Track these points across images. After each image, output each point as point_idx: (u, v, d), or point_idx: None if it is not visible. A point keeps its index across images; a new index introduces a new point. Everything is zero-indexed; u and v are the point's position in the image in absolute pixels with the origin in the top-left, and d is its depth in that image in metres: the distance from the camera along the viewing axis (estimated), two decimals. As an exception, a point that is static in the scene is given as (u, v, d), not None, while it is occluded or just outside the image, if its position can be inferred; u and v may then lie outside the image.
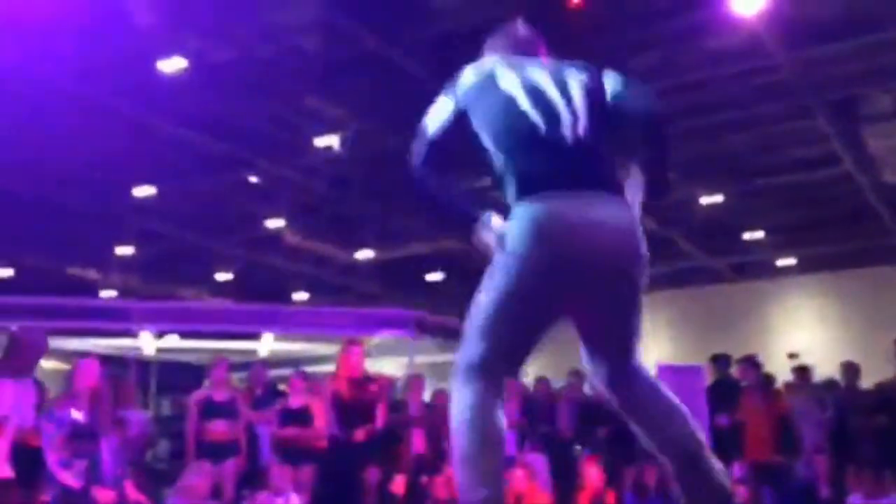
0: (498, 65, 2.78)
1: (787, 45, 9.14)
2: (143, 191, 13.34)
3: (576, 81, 2.72)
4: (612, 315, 2.62)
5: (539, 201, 2.48)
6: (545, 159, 2.54)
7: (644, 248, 2.58)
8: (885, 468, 7.37)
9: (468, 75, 2.81)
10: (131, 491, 5.58)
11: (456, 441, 2.49)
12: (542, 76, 2.70)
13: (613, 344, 2.66)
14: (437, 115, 2.83)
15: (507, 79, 2.69)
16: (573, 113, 2.61)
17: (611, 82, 2.79)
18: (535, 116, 2.59)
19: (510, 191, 2.61)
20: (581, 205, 2.45)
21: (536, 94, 2.63)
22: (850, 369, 8.94)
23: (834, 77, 10.05)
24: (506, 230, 2.55)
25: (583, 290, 2.52)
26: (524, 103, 2.62)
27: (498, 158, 2.70)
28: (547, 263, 2.44)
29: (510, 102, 2.64)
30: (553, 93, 2.65)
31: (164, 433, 9.85)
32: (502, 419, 2.51)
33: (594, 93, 2.72)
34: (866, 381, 9.11)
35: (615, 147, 2.68)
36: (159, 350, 12.75)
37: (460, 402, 2.53)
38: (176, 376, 13.54)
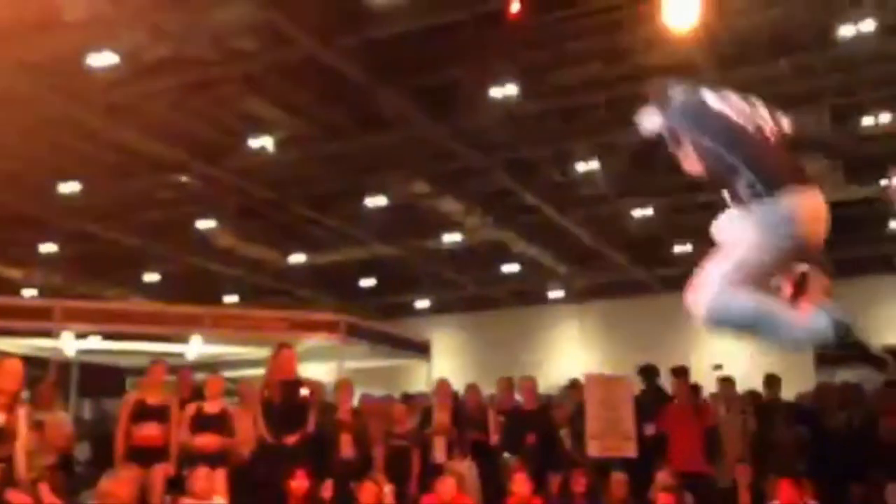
0: None
1: (717, 64, 9.37)
2: (69, 188, 12.99)
3: None
4: None
5: None
6: None
7: None
8: (803, 478, 7.57)
9: None
10: (46, 495, 5.40)
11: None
12: None
13: None
14: None
15: None
16: None
17: None
18: None
19: None
20: None
21: None
22: (772, 381, 9.19)
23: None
24: None
25: None
26: None
27: None
28: None
29: None
30: None
31: (84, 436, 9.57)
32: None
33: None
34: (785, 393, 9.37)
35: None
36: (81, 351, 12.39)
37: None
38: (98, 379, 13.20)
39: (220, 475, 7.28)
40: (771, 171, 3.05)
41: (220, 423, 7.46)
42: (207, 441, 7.35)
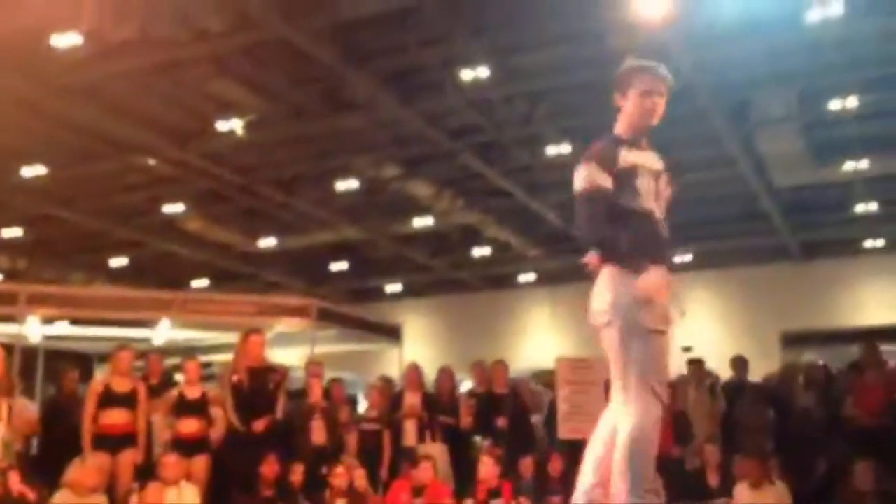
0: None
1: (688, 47, 9.39)
2: (34, 171, 12.77)
3: None
4: None
5: None
6: None
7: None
8: (770, 458, 7.67)
9: None
10: (15, 483, 5.32)
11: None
12: None
13: None
14: None
15: None
16: None
17: None
18: None
19: None
20: None
21: None
22: (740, 363, 9.29)
23: (730, 80, 10.38)
24: None
25: None
26: None
27: None
28: None
29: None
30: None
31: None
32: None
33: None
34: (753, 374, 9.48)
35: None
36: (47, 337, 12.23)
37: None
38: (64, 365, 13.03)
39: (201, 461, 7.24)
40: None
41: (200, 408, 7.41)
42: (189, 426, 7.30)
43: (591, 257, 3.36)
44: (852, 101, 10.67)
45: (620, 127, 3.48)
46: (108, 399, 7.22)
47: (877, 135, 11.81)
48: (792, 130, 11.57)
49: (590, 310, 3.36)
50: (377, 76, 10.37)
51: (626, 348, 3.23)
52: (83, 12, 8.80)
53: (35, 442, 8.82)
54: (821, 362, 10.19)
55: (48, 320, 11.69)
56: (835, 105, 10.78)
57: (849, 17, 8.83)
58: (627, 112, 3.46)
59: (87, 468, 6.80)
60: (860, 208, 14.75)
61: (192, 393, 7.48)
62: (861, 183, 13.44)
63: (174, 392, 7.56)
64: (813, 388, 8.85)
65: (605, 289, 3.28)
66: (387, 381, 9.90)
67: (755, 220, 15.31)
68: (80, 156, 12.69)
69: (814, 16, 8.86)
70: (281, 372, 7.95)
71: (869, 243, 16.46)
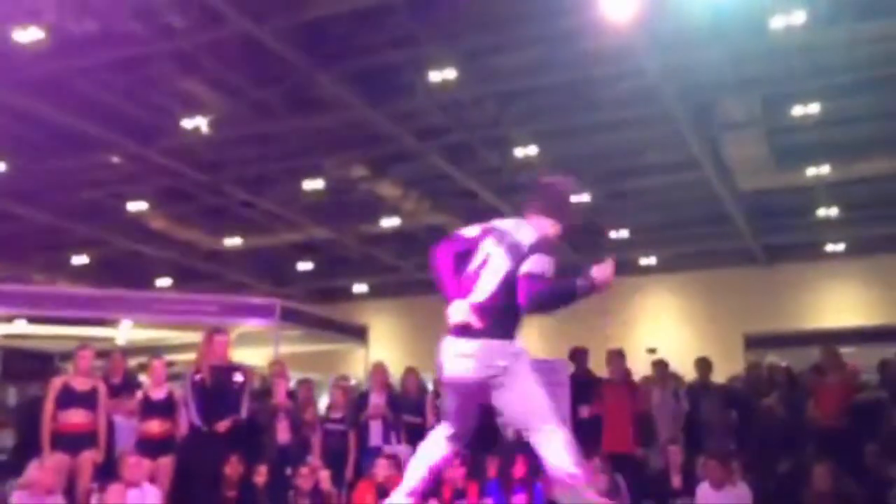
0: None
1: (655, 50, 9.46)
2: (-7, 167, 12.57)
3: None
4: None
5: None
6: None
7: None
8: (732, 459, 7.74)
9: None
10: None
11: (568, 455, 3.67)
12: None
13: None
14: None
15: None
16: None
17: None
18: None
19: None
20: None
21: None
22: (703, 365, 9.36)
23: (695, 84, 10.48)
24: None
25: None
26: None
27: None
28: None
29: None
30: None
31: (8, 423, 9.29)
32: None
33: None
34: (716, 376, 9.56)
35: None
36: (6, 336, 12.02)
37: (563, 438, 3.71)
38: (24, 364, 12.83)
39: (167, 462, 7.15)
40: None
41: (166, 409, 7.32)
42: (154, 427, 7.21)
43: None
44: (814, 108, 10.82)
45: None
46: (68, 398, 7.10)
47: (838, 141, 11.99)
48: (756, 135, 11.70)
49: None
50: (345, 76, 10.33)
51: None
52: (45, 6, 8.67)
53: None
54: (784, 364, 10.31)
55: (8, 319, 11.49)
56: (797, 111, 10.92)
57: (812, 25, 8.95)
58: (544, 229, 4.02)
59: (44, 468, 6.68)
60: (822, 213, 14.97)
61: (158, 393, 7.37)
62: (823, 188, 13.62)
63: (139, 393, 7.44)
64: (776, 390, 8.94)
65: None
66: (348, 381, 9.85)
67: (719, 224, 15.46)
68: (41, 152, 12.49)
69: (777, 22, 8.97)
70: (246, 372, 7.87)
71: (830, 247, 16.69)
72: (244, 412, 7.57)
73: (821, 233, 16.08)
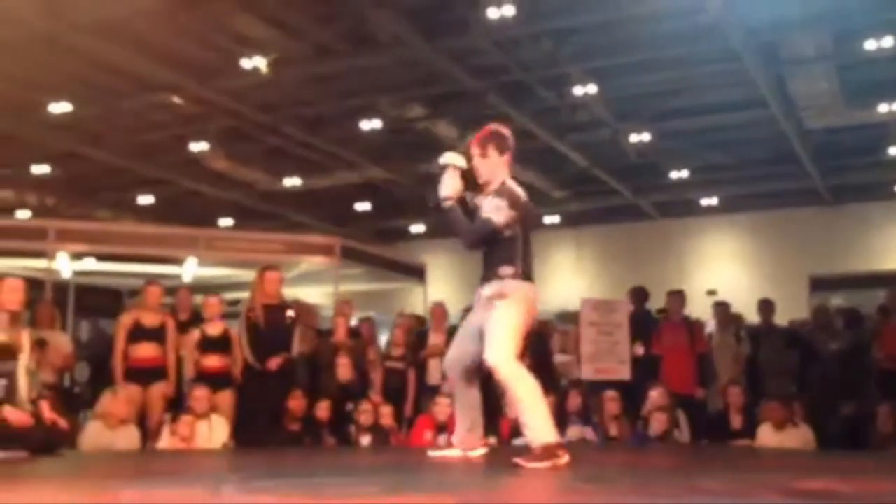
0: None
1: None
2: (60, 108, 12.79)
3: None
4: None
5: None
6: None
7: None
8: (794, 400, 7.68)
9: None
10: (46, 411, 5.44)
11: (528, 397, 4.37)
12: None
13: None
14: None
15: None
16: None
17: None
18: None
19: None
20: None
21: None
22: (766, 306, 9.23)
23: (761, 19, 10.15)
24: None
25: None
26: None
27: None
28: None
29: None
30: None
31: (82, 357, 9.62)
32: None
33: None
34: (780, 319, 9.43)
35: None
36: (77, 273, 12.38)
37: (523, 375, 4.44)
38: (95, 300, 13.23)
39: (226, 395, 7.33)
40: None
41: (223, 345, 7.48)
42: (213, 361, 7.39)
43: None
44: (888, 41, 10.40)
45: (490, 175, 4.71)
46: (138, 333, 7.32)
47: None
48: (825, 71, 11.32)
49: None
50: (402, 14, 10.23)
51: None
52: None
53: (68, 375, 9.01)
54: (850, 306, 10.11)
55: (77, 256, 11.81)
56: (870, 45, 10.52)
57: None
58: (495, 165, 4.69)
59: (117, 400, 6.93)
60: (893, 151, 14.49)
61: (214, 330, 7.52)
62: (894, 125, 13.18)
63: (196, 332, 7.56)
64: (842, 332, 8.77)
65: None
66: (409, 318, 9.92)
67: (784, 163, 15.10)
68: (105, 93, 12.68)
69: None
70: (301, 309, 7.92)
71: (900, 187, 16.21)
72: (295, 349, 7.70)
73: (891, 172, 15.59)
